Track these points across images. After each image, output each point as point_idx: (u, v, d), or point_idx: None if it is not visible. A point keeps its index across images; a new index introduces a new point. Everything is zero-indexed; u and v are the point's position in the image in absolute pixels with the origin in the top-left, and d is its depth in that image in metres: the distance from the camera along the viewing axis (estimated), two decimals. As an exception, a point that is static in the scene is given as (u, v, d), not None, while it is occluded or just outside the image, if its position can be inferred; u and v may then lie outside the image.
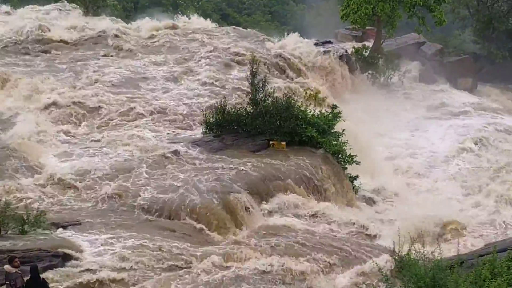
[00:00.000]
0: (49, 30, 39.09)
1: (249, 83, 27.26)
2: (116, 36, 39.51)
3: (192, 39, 40.59)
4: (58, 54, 36.98)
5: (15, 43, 37.61)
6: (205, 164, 24.55)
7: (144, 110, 30.32)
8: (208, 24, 44.95)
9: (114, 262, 18.32)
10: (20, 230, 18.61)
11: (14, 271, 14.88)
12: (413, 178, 31.87)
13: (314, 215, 23.41)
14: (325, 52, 42.91)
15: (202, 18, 45.75)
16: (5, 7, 44.17)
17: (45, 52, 37.15)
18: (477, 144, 35.30)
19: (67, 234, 19.56)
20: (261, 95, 26.62)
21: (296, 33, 44.90)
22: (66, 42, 38.32)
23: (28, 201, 21.30)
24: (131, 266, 18.31)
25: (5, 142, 25.47)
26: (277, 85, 34.02)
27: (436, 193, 30.00)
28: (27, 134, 26.53)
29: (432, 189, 30.57)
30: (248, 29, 45.54)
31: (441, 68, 50.20)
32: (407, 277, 13.75)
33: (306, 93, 35.36)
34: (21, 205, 20.55)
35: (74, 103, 30.11)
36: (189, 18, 45.28)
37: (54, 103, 29.88)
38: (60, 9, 43.69)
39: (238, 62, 37.44)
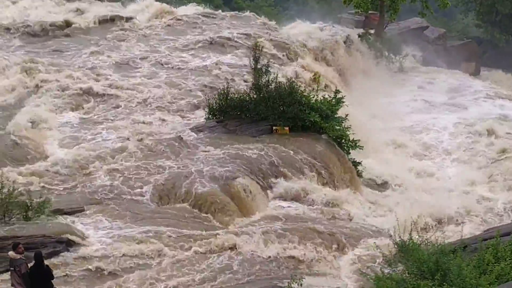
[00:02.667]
0: None
1: (251, 69, 27.18)
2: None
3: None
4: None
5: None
6: (208, 150, 24.54)
7: (147, 96, 30.23)
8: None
9: (117, 248, 18.40)
10: (24, 216, 18.67)
11: (19, 257, 14.94)
12: (418, 163, 31.71)
13: (317, 201, 23.41)
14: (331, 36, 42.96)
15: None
16: None
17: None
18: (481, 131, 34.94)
19: (71, 220, 19.64)
20: (264, 81, 26.55)
21: (300, 19, 44.62)
22: None
23: (32, 187, 21.32)
24: (135, 252, 18.39)
25: (9, 128, 25.46)
26: (282, 71, 33.90)
27: (440, 178, 29.88)
28: (30, 120, 26.51)
29: (436, 174, 30.44)
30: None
31: (444, 52, 50.06)
32: (410, 262, 13.78)
33: (314, 77, 35.30)
34: (25, 191, 20.57)
35: (78, 88, 30.03)
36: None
37: (59, 88, 29.83)
38: None
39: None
